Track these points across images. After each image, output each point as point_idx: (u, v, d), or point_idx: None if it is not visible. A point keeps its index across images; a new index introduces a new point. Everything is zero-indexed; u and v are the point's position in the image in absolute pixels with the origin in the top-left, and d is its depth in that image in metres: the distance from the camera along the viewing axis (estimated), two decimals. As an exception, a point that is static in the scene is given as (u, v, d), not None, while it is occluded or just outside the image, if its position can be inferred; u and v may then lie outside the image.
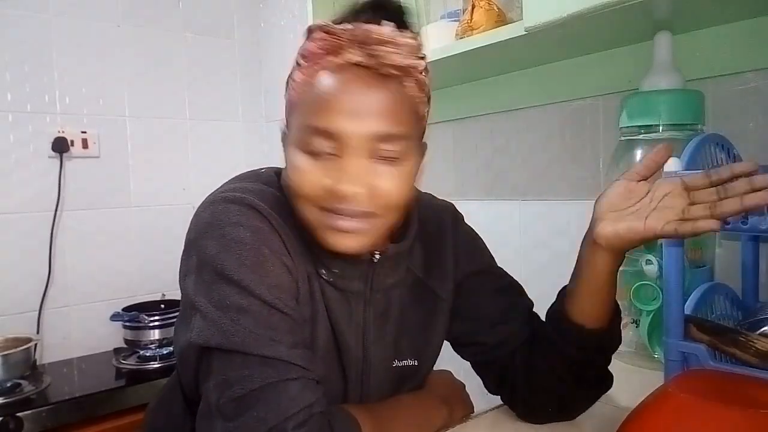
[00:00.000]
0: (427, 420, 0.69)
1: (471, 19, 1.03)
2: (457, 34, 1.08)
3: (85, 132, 1.77)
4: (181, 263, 0.63)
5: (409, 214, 0.72)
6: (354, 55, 0.58)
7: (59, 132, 1.73)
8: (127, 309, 1.71)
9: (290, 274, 0.61)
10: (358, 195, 0.58)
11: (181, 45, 1.98)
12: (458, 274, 0.75)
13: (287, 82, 0.64)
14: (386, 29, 0.59)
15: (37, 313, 1.70)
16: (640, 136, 0.88)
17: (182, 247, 0.64)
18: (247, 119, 2.13)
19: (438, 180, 1.46)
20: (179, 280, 0.64)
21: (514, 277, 0.79)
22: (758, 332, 0.70)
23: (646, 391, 0.59)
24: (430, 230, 0.75)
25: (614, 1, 0.73)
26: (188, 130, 2.00)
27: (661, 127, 0.85)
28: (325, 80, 0.59)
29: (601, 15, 0.78)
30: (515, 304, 0.75)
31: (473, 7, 1.03)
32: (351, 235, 0.60)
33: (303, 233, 0.64)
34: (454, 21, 1.12)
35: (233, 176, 0.69)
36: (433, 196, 0.82)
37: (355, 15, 0.61)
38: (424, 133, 0.67)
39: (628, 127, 0.89)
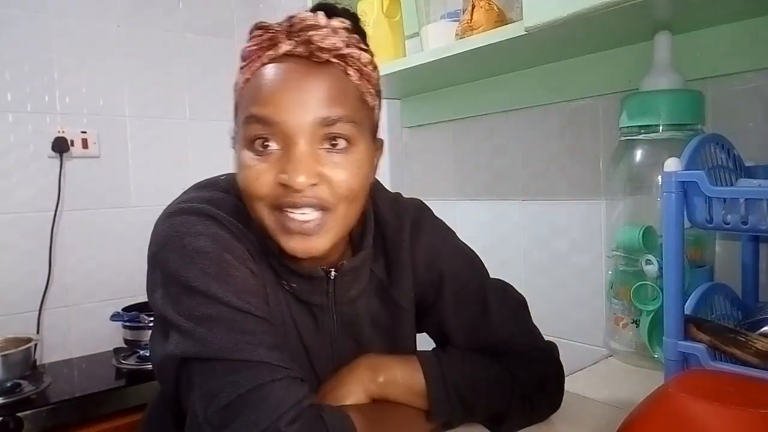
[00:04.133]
0: (421, 420, 0.68)
1: (471, 19, 1.03)
2: (457, 34, 1.08)
3: (85, 132, 1.77)
4: (147, 278, 0.63)
5: (365, 223, 0.70)
6: (288, 45, 0.58)
7: (59, 132, 1.73)
8: (127, 309, 1.71)
9: (256, 278, 0.61)
10: (308, 183, 0.56)
11: (181, 45, 1.98)
12: (416, 285, 0.74)
13: (234, 89, 0.63)
14: (312, 15, 0.59)
15: (37, 313, 1.70)
16: (640, 136, 0.88)
17: None
18: (247, 119, 2.12)
19: (438, 180, 1.46)
20: (147, 296, 0.62)
21: (514, 277, 0.78)
22: (758, 332, 0.70)
23: (646, 391, 0.59)
24: (390, 236, 0.73)
25: (614, 1, 0.73)
26: (188, 130, 2.00)
27: (660, 127, 0.85)
28: (263, 73, 0.59)
29: (601, 15, 0.77)
30: (478, 315, 0.72)
31: (473, 7, 1.03)
32: (308, 237, 0.58)
33: (263, 242, 0.63)
34: (454, 21, 1.12)
35: (191, 185, 0.68)
36: (399, 195, 0.78)
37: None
38: (376, 126, 0.66)
39: (628, 127, 0.89)
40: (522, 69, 1.20)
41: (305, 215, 0.58)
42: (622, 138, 0.92)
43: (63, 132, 1.73)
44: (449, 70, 1.19)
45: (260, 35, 0.60)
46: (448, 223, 0.80)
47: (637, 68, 0.92)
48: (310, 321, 0.68)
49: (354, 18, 0.63)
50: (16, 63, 1.67)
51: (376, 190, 0.74)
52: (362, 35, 0.64)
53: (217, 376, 0.54)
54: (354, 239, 0.71)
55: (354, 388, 0.65)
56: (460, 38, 1.05)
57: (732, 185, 0.75)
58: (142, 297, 1.95)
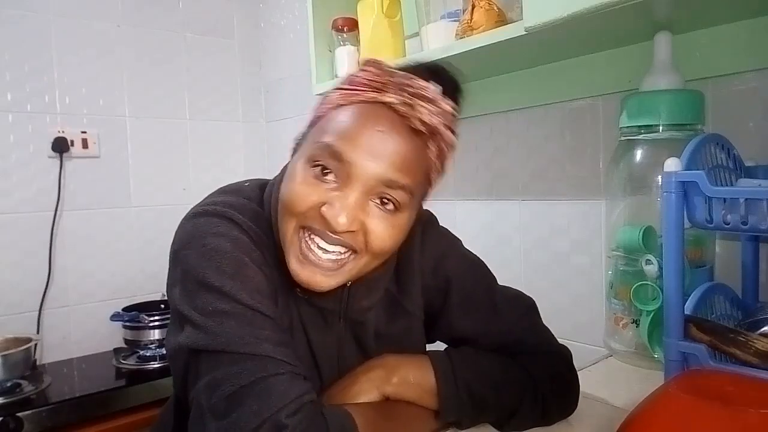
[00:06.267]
0: (424, 419, 0.69)
1: (471, 19, 1.03)
2: (457, 34, 1.08)
3: (85, 132, 1.78)
4: (168, 274, 0.65)
5: None
6: (393, 99, 0.60)
7: (59, 132, 1.73)
8: (127, 309, 1.71)
9: (268, 281, 0.63)
10: (345, 226, 0.58)
11: (181, 45, 1.98)
12: (424, 290, 0.75)
13: (321, 100, 0.65)
14: (432, 87, 0.62)
15: (37, 313, 1.70)
16: (640, 136, 0.88)
17: None
18: (247, 119, 2.13)
19: (438, 180, 1.46)
20: (166, 291, 0.65)
21: (514, 277, 0.78)
22: (758, 332, 0.70)
23: (646, 391, 0.59)
24: (401, 248, 0.73)
25: (614, 1, 0.73)
26: (188, 130, 2.00)
27: (661, 127, 0.85)
28: (357, 109, 0.61)
29: (601, 15, 0.77)
30: (488, 317, 0.74)
31: (473, 7, 1.03)
32: (319, 272, 0.60)
33: (279, 249, 0.65)
34: (454, 21, 1.11)
35: (217, 189, 0.70)
36: None
37: (411, 71, 0.63)
38: (427, 197, 0.69)
39: (628, 127, 0.89)
40: (522, 69, 1.20)
41: (329, 250, 0.60)
42: (622, 138, 0.92)
43: (63, 132, 1.73)
44: (449, 70, 1.19)
45: (375, 73, 0.62)
46: (447, 224, 0.81)
47: (637, 68, 0.92)
48: (320, 323, 0.69)
49: (455, 85, 0.66)
50: (16, 63, 1.67)
51: None
52: (456, 100, 0.66)
53: (222, 366, 0.56)
54: None
55: (367, 386, 0.67)
56: (460, 38, 1.05)
57: (732, 185, 0.75)
58: (142, 297, 1.97)
